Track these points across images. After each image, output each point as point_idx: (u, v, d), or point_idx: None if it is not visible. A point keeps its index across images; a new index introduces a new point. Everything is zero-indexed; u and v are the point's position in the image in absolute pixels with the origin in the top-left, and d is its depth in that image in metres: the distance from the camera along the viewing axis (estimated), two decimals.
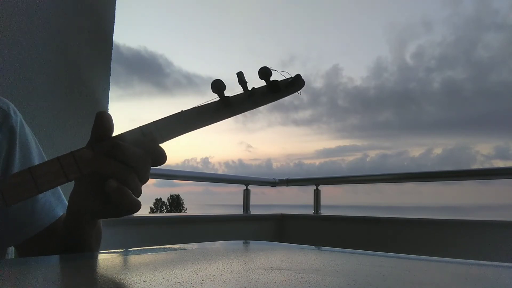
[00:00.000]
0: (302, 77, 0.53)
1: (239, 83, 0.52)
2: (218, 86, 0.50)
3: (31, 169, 0.47)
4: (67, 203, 0.74)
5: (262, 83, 0.52)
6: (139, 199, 0.54)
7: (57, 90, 1.25)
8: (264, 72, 0.51)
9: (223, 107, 0.52)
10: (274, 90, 0.52)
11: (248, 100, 0.52)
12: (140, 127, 0.52)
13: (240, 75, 0.51)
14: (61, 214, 0.72)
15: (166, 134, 0.52)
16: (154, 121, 0.52)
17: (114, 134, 0.53)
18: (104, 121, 0.52)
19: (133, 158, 0.51)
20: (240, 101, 0.52)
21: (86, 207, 0.56)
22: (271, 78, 0.52)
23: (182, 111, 0.52)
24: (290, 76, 0.53)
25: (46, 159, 0.74)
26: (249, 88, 0.52)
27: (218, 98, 0.52)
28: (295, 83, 0.53)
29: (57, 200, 0.72)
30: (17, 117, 0.70)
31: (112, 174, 0.50)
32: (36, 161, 0.71)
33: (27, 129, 0.72)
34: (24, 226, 0.67)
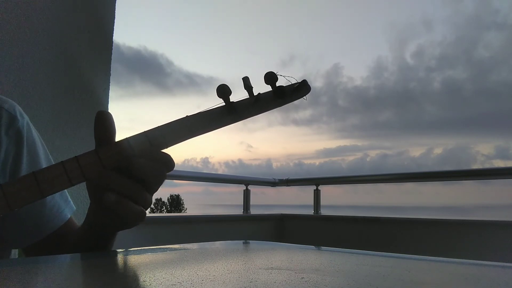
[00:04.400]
0: (308, 83, 0.53)
1: (245, 88, 0.51)
2: (223, 91, 0.50)
3: (35, 173, 0.47)
4: (74, 206, 0.75)
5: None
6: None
7: (57, 90, 1.25)
8: (270, 77, 0.50)
9: (229, 112, 0.51)
10: (280, 96, 0.52)
11: (254, 106, 0.52)
12: (145, 132, 0.51)
13: (245, 80, 0.51)
14: (69, 216, 0.72)
15: (171, 139, 0.51)
16: (158, 126, 0.51)
17: (116, 137, 0.52)
18: (103, 122, 0.51)
19: (143, 172, 0.51)
20: (245, 106, 0.52)
21: (101, 222, 0.58)
22: (277, 84, 0.51)
23: (187, 116, 0.51)
24: (296, 82, 0.53)
25: (52, 161, 0.74)
26: (255, 94, 0.52)
27: (224, 103, 0.51)
28: (301, 89, 0.53)
29: (65, 203, 0.72)
30: (24, 120, 0.70)
31: (117, 188, 0.50)
32: (44, 163, 0.71)
33: (34, 131, 0.72)
34: (33, 229, 0.67)
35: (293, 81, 0.53)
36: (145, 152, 0.51)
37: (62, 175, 0.48)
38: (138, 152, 0.50)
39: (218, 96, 0.50)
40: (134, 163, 0.50)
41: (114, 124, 0.52)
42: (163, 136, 0.51)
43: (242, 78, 0.51)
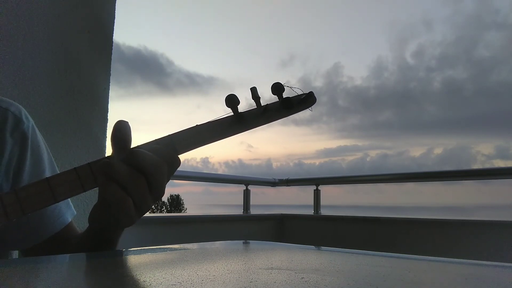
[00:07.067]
0: (314, 94, 0.54)
1: (253, 98, 0.53)
2: (232, 101, 0.51)
3: (49, 179, 0.48)
4: (75, 211, 0.75)
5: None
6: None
7: (57, 90, 1.25)
8: (277, 88, 0.52)
9: (237, 122, 0.53)
10: (287, 107, 0.53)
11: (262, 116, 0.53)
12: (156, 140, 0.53)
13: (253, 91, 0.52)
14: (70, 220, 0.72)
15: (181, 147, 0.52)
16: (169, 135, 0.53)
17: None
18: (121, 131, 0.51)
19: (142, 160, 0.50)
20: (253, 116, 0.53)
21: (98, 214, 0.57)
22: (284, 95, 0.53)
23: (197, 125, 0.53)
24: (303, 93, 0.54)
25: (55, 165, 0.74)
26: (262, 104, 0.53)
27: (232, 113, 0.52)
28: (307, 100, 0.54)
29: (66, 207, 0.72)
30: (29, 123, 0.70)
31: (119, 177, 0.49)
32: (47, 167, 0.71)
33: (38, 134, 0.72)
34: (34, 232, 0.67)
35: (300, 92, 0.54)
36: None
37: (75, 181, 0.48)
38: (149, 161, 0.51)
39: (227, 106, 0.51)
40: (134, 151, 0.51)
41: (130, 135, 0.52)
42: (173, 144, 0.52)
43: (250, 89, 0.52)
